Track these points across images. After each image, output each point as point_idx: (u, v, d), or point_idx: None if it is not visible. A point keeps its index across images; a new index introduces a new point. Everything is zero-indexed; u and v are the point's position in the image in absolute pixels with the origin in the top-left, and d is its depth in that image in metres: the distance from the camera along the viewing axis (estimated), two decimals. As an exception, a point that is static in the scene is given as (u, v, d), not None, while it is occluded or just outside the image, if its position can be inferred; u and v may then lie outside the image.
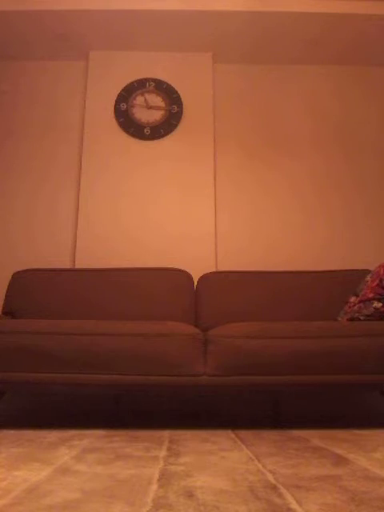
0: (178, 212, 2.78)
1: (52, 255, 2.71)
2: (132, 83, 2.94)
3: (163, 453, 1.30)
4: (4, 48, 2.88)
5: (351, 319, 2.08)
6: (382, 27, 2.68)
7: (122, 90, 2.94)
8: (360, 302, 2.10)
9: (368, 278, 2.19)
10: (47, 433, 1.63)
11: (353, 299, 2.17)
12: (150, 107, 2.91)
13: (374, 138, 2.93)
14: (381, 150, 2.92)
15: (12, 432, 1.66)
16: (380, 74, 3.01)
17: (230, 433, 1.64)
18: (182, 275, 2.47)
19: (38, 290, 2.40)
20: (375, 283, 2.09)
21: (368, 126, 2.95)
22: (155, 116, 2.91)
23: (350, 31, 2.71)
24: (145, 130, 2.85)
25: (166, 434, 1.62)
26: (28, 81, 3.00)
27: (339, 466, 1.14)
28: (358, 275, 2.32)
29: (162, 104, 2.93)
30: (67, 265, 2.75)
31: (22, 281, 2.41)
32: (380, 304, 2.00)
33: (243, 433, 1.63)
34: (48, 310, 2.24)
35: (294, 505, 0.81)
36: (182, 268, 2.52)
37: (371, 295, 2.06)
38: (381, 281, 2.07)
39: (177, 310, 2.29)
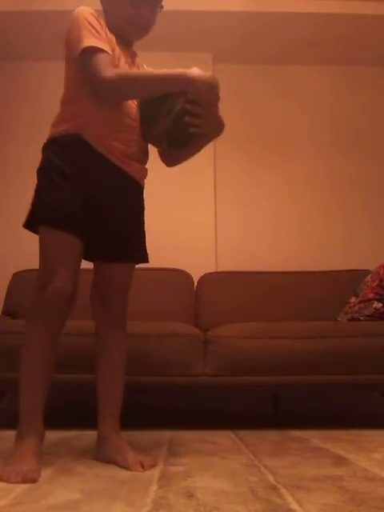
0: (177, 212, 2.78)
1: (52, 255, 2.70)
2: (132, 83, 2.93)
3: (163, 453, 1.30)
4: (7, 48, 2.87)
5: (351, 319, 2.08)
6: (380, 27, 2.68)
7: (122, 90, 2.93)
8: (360, 302, 2.10)
9: (368, 278, 2.19)
10: (47, 433, 1.61)
11: (353, 299, 2.17)
12: (150, 107, 2.91)
13: (371, 137, 2.93)
14: (379, 150, 2.92)
15: (12, 432, 1.65)
16: (377, 74, 3.01)
17: (230, 433, 1.64)
18: (181, 275, 2.47)
19: (38, 290, 2.39)
20: (375, 283, 2.09)
21: (365, 125, 2.94)
22: (155, 116, 2.91)
23: (348, 31, 2.71)
24: (145, 130, 2.84)
25: (166, 434, 1.62)
26: (35, 81, 2.96)
27: (339, 466, 1.14)
28: (358, 275, 2.31)
29: (162, 104, 2.92)
30: (67, 265, 2.73)
31: (23, 281, 2.41)
32: (380, 304, 2.00)
33: (243, 433, 1.63)
34: (48, 310, 2.24)
35: (294, 505, 0.81)
36: (182, 268, 2.51)
37: (371, 295, 2.06)
38: (381, 281, 2.07)
39: (177, 309, 2.28)
